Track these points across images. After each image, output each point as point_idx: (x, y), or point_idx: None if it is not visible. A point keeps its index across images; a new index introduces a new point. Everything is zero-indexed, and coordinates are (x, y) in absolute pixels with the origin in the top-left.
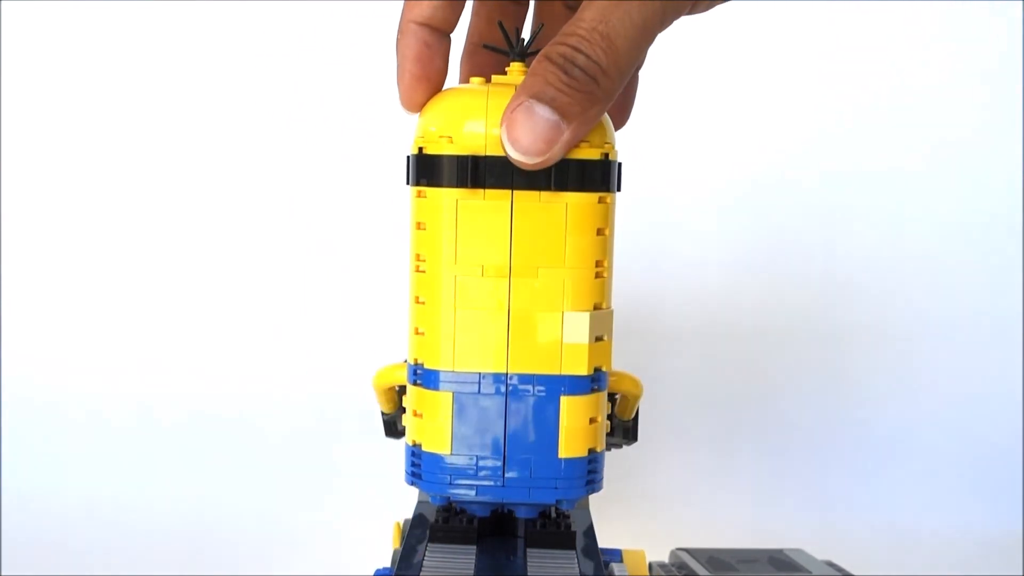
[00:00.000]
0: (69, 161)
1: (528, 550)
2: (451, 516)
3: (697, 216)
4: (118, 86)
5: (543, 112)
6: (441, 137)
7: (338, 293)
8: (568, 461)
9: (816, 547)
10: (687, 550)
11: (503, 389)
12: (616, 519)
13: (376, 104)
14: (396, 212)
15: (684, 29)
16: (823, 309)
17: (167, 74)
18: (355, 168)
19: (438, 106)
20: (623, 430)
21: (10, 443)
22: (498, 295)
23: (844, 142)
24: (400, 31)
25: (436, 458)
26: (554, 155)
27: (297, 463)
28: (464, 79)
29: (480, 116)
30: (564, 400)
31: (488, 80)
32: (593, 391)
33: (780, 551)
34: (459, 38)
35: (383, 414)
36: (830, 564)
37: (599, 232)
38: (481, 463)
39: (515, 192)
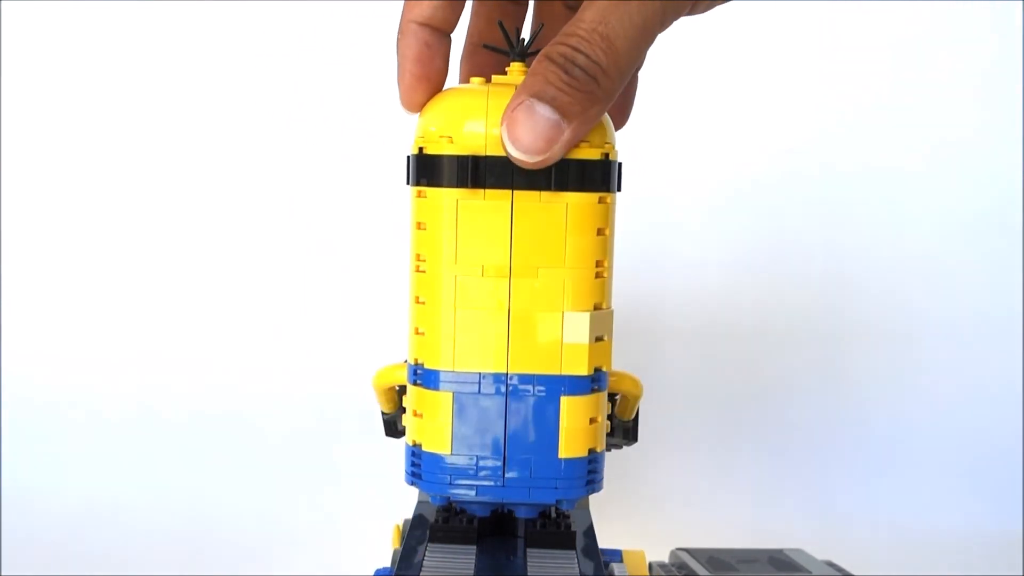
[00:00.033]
0: (69, 161)
1: (528, 550)
2: (451, 516)
3: (697, 216)
4: (118, 86)
5: (544, 111)
6: (441, 137)
7: (338, 293)
8: (568, 461)
9: (816, 547)
10: (687, 550)
11: (503, 389)
12: (616, 519)
13: (376, 104)
14: (396, 212)
15: (684, 29)
16: (823, 309)
17: (167, 74)
18: (355, 168)
19: (438, 106)
20: (623, 430)
21: (10, 443)
22: (498, 295)
23: (844, 142)
24: (400, 31)
25: (436, 458)
26: (554, 154)
27: (297, 463)
28: (464, 79)
29: (480, 116)
30: (564, 400)
31: (488, 80)
32: (593, 391)
33: (780, 551)
34: (459, 38)
35: (383, 414)
36: (830, 564)
37: (599, 232)
38: (481, 463)
39: (515, 192)
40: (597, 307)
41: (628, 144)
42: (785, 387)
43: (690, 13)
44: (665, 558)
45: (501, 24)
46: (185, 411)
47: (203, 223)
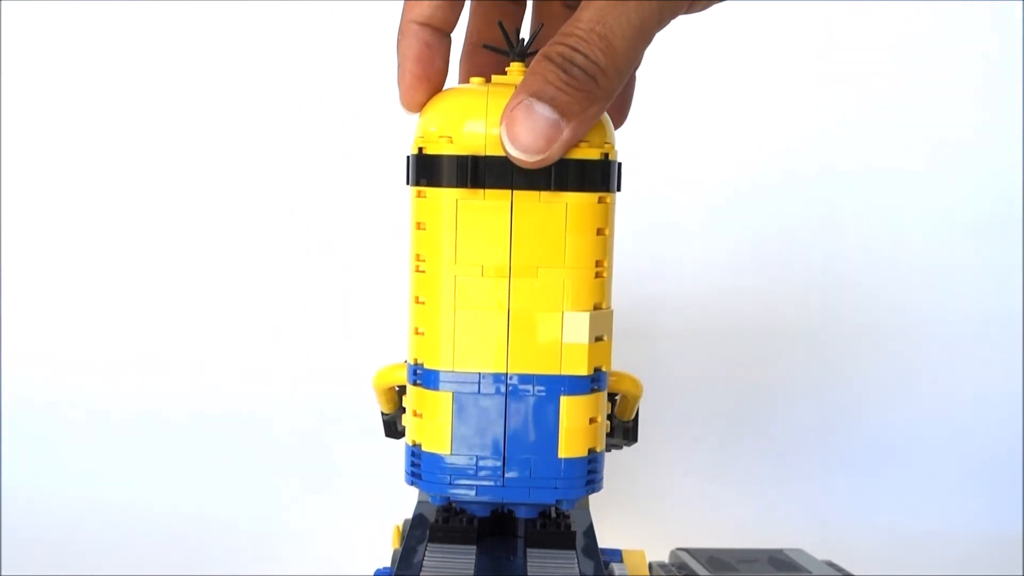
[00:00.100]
0: (69, 162)
1: (528, 550)
2: (451, 516)
3: (697, 216)
4: (118, 87)
5: (543, 110)
6: (441, 137)
7: (338, 293)
8: (568, 461)
9: (816, 547)
10: (687, 550)
11: (503, 389)
12: (616, 519)
13: (376, 104)
14: (396, 212)
15: (682, 29)
16: (823, 309)
17: (167, 75)
18: (355, 168)
19: (438, 106)
20: (623, 430)
21: (10, 443)
22: (498, 295)
23: (844, 142)
24: (400, 31)
25: (436, 458)
26: (553, 154)
27: (297, 463)
28: (464, 79)
29: (480, 116)
30: (564, 400)
31: (488, 80)
32: (593, 391)
33: (780, 551)
34: (459, 38)
35: (383, 414)
36: (830, 564)
37: (599, 232)
38: (481, 463)
39: (515, 192)
40: (597, 307)
41: (628, 144)
42: (785, 387)
43: (687, 12)
44: (665, 558)
45: (501, 24)
46: (185, 411)
47: (203, 224)
